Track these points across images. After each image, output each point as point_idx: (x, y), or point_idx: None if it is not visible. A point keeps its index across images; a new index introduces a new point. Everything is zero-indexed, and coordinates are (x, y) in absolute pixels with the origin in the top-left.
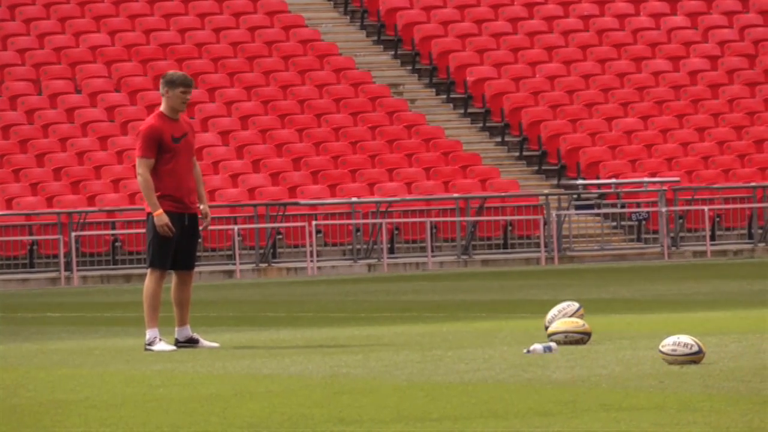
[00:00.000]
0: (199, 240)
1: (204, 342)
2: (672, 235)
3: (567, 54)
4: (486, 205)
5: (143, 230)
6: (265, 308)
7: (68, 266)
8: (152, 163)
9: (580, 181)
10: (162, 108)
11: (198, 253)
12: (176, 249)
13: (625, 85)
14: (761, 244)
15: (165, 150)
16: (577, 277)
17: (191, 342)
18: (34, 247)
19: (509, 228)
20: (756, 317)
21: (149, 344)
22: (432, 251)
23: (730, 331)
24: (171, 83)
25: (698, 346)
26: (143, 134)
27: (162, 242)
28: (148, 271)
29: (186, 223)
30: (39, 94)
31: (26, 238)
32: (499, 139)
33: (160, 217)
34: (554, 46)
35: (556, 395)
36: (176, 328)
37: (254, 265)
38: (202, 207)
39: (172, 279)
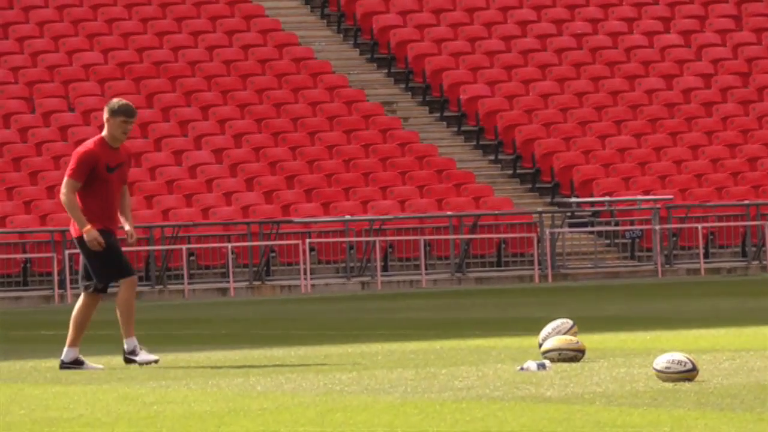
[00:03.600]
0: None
1: (89, 364)
2: (665, 252)
3: (560, 72)
4: (479, 222)
5: (136, 248)
6: (259, 326)
7: (62, 284)
8: (79, 186)
9: (573, 199)
10: (104, 133)
11: (192, 271)
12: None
13: (618, 103)
14: (755, 262)
15: (96, 177)
16: (571, 294)
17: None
18: (28, 265)
19: (503, 246)
20: (750, 335)
21: (132, 354)
22: (426, 269)
23: (724, 349)
24: (113, 112)
25: (692, 363)
26: (78, 157)
27: (112, 256)
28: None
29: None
30: (32, 112)
31: (20, 256)
32: (492, 157)
33: (90, 232)
34: (548, 64)
35: (549, 413)
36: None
37: (248, 282)
38: (127, 228)
39: (81, 297)
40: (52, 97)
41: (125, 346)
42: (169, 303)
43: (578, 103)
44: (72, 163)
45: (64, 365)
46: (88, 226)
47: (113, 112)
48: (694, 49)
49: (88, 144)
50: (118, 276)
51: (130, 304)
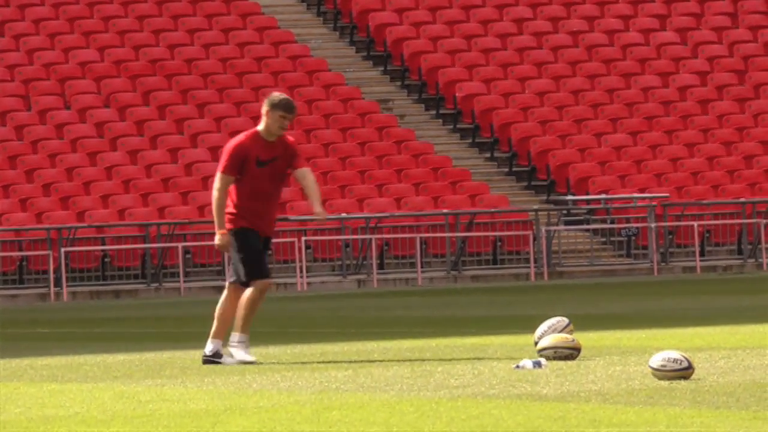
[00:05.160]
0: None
1: (228, 359)
2: (661, 250)
3: (556, 70)
4: (475, 220)
5: (132, 246)
6: (255, 324)
7: (57, 282)
8: (231, 180)
9: (569, 197)
10: (259, 127)
11: (188, 269)
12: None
13: (614, 101)
14: (750, 260)
15: (246, 171)
16: (567, 292)
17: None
18: (24, 263)
19: (499, 244)
20: (745, 333)
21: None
22: (421, 267)
23: (720, 347)
24: (273, 105)
25: (688, 361)
26: (229, 150)
27: (251, 255)
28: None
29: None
30: (28, 110)
31: (15, 254)
32: (488, 155)
33: (222, 237)
34: (543, 62)
35: (545, 411)
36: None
37: None
38: (316, 210)
39: (226, 291)
40: (48, 95)
41: (234, 338)
42: (165, 301)
43: (574, 101)
44: (223, 158)
45: (206, 358)
46: (223, 230)
47: (273, 106)
48: (690, 47)
49: (240, 137)
50: (257, 276)
51: (253, 305)
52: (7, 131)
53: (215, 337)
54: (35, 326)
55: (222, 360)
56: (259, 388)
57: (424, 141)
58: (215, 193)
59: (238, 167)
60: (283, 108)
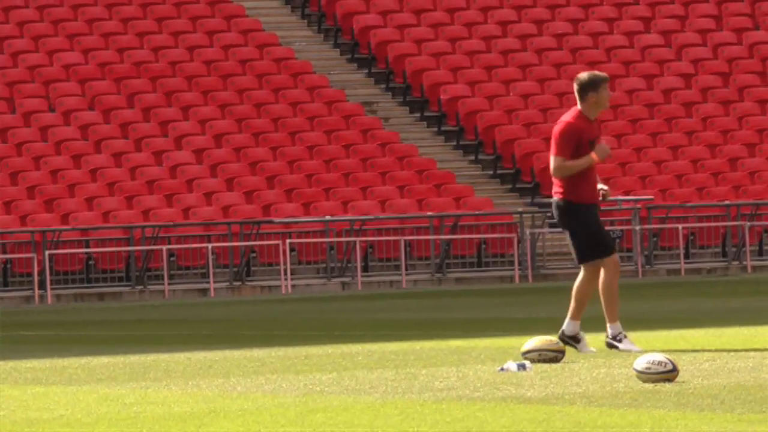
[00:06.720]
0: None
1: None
2: (646, 253)
3: (541, 72)
4: (460, 223)
5: (117, 248)
6: (239, 326)
7: (42, 285)
8: (566, 161)
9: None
10: (580, 107)
11: (172, 271)
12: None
13: None
14: (735, 263)
15: (580, 152)
16: (551, 294)
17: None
18: (8, 266)
19: (483, 246)
20: (730, 335)
21: (615, 339)
22: (406, 269)
23: (704, 350)
24: (593, 84)
25: (672, 364)
26: (560, 133)
27: (596, 232)
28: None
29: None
30: (13, 112)
31: (0, 256)
32: (473, 158)
33: (594, 156)
34: (528, 64)
35: (530, 413)
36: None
37: (228, 283)
38: (603, 186)
39: (582, 272)
40: (33, 98)
41: (609, 331)
42: (150, 303)
43: (559, 104)
44: (555, 141)
45: (564, 336)
46: (592, 155)
47: (595, 85)
48: (675, 49)
49: (567, 118)
50: (602, 254)
51: (612, 288)
52: None
53: (573, 318)
54: (19, 329)
55: (580, 344)
56: (244, 390)
57: (408, 143)
58: (557, 172)
59: (572, 148)
60: (604, 80)
